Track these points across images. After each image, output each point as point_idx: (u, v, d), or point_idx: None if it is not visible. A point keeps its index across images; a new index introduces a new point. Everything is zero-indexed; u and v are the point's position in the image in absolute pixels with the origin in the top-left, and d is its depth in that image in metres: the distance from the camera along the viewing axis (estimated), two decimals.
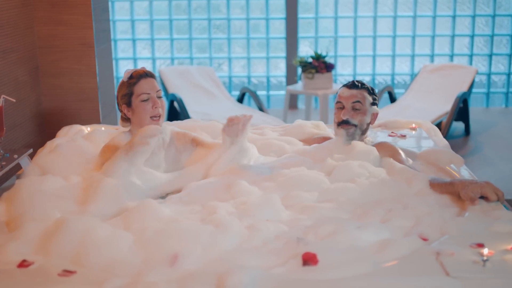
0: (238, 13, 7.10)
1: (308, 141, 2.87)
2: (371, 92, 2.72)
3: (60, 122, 3.89)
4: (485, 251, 1.74)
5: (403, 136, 3.02)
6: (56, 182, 2.22)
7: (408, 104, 5.78)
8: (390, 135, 3.04)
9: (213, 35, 7.13)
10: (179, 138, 2.63)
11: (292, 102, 7.12)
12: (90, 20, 3.87)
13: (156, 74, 7.07)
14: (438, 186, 2.27)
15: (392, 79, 7.11)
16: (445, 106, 5.51)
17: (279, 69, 7.22)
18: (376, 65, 7.09)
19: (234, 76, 7.22)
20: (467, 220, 1.99)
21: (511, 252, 1.74)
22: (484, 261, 1.69)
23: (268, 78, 7.20)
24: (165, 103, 2.56)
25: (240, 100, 6.31)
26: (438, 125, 5.20)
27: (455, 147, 5.65)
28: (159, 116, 2.51)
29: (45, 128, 3.95)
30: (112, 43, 7.12)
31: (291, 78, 6.94)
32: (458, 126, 6.13)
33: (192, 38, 7.13)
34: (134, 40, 7.13)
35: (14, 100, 2.60)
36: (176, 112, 5.58)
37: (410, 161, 2.60)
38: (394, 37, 6.99)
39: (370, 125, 2.73)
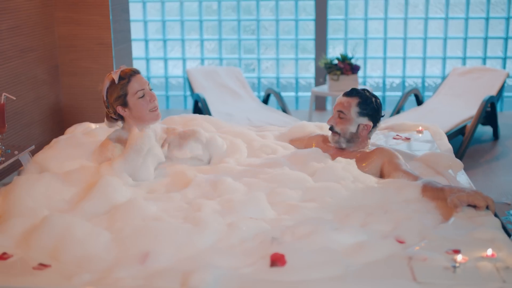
0: (268, 14, 7.11)
1: (302, 140, 2.89)
2: (364, 102, 2.68)
3: (77, 120, 3.97)
4: (459, 257, 1.71)
5: (408, 139, 2.98)
6: (51, 180, 2.28)
7: (434, 107, 5.69)
8: (394, 138, 3.01)
9: (242, 36, 7.16)
10: (169, 133, 2.75)
11: (321, 103, 7.09)
12: (108, 20, 3.95)
13: (184, 75, 7.16)
14: (430, 190, 2.24)
15: (423, 82, 7.00)
16: (472, 110, 5.40)
17: (310, 71, 7.20)
18: (406, 67, 7.00)
19: (263, 77, 7.23)
20: (450, 226, 1.96)
21: (485, 259, 1.71)
22: (455, 267, 1.66)
23: (296, 79, 7.19)
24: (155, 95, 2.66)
25: (265, 101, 6.32)
26: (463, 129, 5.10)
27: (481, 152, 5.56)
28: (156, 108, 2.63)
29: (63, 126, 4.04)
30: (144, 43, 7.24)
31: (319, 80, 6.92)
32: (487, 130, 6.00)
33: (222, 39, 7.17)
34: (165, 41, 7.22)
35: (14, 98, 2.67)
36: (200, 112, 5.63)
37: (408, 166, 2.57)
38: (425, 39, 6.88)
39: (366, 136, 2.70)
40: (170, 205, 2.16)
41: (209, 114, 5.44)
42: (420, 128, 3.10)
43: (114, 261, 1.76)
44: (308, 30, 7.09)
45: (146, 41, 7.25)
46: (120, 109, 2.60)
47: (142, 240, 1.83)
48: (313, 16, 6.99)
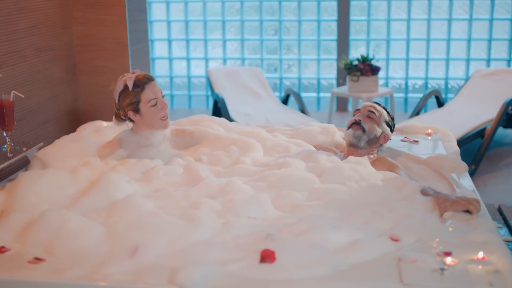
0: (289, 14, 7.12)
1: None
2: (389, 114, 2.84)
3: (94, 118, 4.04)
4: (449, 260, 1.70)
5: (416, 142, 2.96)
6: (55, 175, 2.31)
7: (455, 110, 5.62)
8: (403, 140, 2.99)
9: (264, 36, 7.18)
10: (178, 134, 2.77)
11: (342, 104, 7.07)
12: (124, 20, 4.00)
13: (206, 75, 7.21)
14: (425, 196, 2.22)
15: (446, 84, 6.92)
16: (493, 112, 5.32)
17: (332, 72, 7.18)
18: (429, 69, 6.93)
19: (285, 78, 7.23)
20: (446, 227, 1.94)
21: (475, 262, 1.70)
22: (443, 269, 1.65)
23: (318, 80, 7.17)
24: (167, 102, 2.68)
25: (285, 101, 6.33)
26: (482, 132, 5.03)
27: (502, 155, 5.48)
28: (166, 116, 2.66)
29: (80, 124, 4.10)
30: (167, 43, 7.31)
31: (340, 81, 6.89)
32: (509, 133, 5.91)
33: (244, 39, 7.20)
34: (188, 41, 7.28)
35: (22, 96, 2.73)
36: (219, 111, 5.66)
37: (407, 176, 2.56)
38: (448, 40, 6.81)
39: (379, 144, 2.74)
40: (169, 203, 2.18)
41: (227, 113, 5.47)
42: (430, 130, 3.07)
43: (105, 255, 1.79)
44: (330, 31, 7.08)
45: (169, 41, 7.31)
46: (131, 114, 2.62)
47: (134, 235, 1.85)
48: (335, 17, 6.97)
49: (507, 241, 2.86)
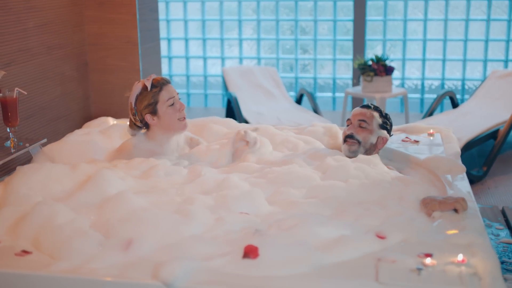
0: (305, 14, 7.12)
1: None
2: (382, 115, 2.78)
3: (106, 116, 4.10)
4: (428, 260, 1.71)
5: (417, 142, 2.96)
6: (52, 170, 2.36)
7: (469, 111, 5.58)
8: (403, 140, 2.99)
9: (280, 36, 7.19)
10: (192, 144, 2.82)
11: (358, 104, 7.05)
12: (134, 19, 4.06)
13: (221, 73, 7.25)
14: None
15: (463, 84, 6.87)
16: (507, 113, 5.26)
17: (349, 72, 7.16)
18: (445, 69, 6.88)
19: (301, 78, 7.24)
20: (433, 228, 1.95)
21: (454, 264, 1.70)
22: (420, 270, 1.66)
23: (334, 80, 7.17)
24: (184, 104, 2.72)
25: (299, 101, 6.34)
26: (495, 133, 4.99)
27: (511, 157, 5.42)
28: (184, 117, 2.68)
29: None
30: (184, 42, 7.37)
31: (355, 81, 6.88)
32: None
33: (260, 39, 7.23)
34: (204, 40, 7.33)
35: (25, 93, 2.79)
36: (232, 110, 5.70)
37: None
38: (465, 41, 6.75)
39: (378, 149, 2.73)
40: (163, 199, 2.21)
41: (240, 112, 5.51)
42: (431, 131, 3.06)
43: (93, 250, 1.83)
44: (346, 30, 7.07)
45: (186, 40, 7.37)
46: (148, 117, 2.63)
47: (124, 229, 1.89)
48: (351, 17, 6.95)
49: (506, 243, 2.84)
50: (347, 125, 2.77)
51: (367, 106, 2.78)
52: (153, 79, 2.62)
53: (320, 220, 1.96)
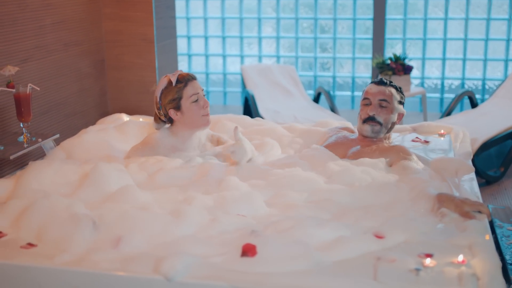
0: (325, 13, 7.11)
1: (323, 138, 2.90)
2: (398, 90, 2.74)
3: (122, 112, 4.14)
4: (427, 261, 1.71)
5: (427, 142, 2.94)
6: (62, 165, 2.41)
7: (488, 111, 5.52)
8: (414, 140, 2.97)
9: (300, 34, 7.19)
10: (213, 141, 2.84)
11: None
12: (151, 17, 4.09)
13: (239, 71, 7.26)
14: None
15: (483, 84, 6.79)
16: None
17: (368, 70, 7.13)
18: (466, 69, 6.81)
19: (319, 76, 7.23)
20: (436, 228, 1.95)
21: (453, 265, 1.70)
22: (418, 270, 1.66)
23: (353, 78, 7.14)
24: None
25: (316, 99, 6.33)
26: (511, 134, 4.93)
27: None
28: (208, 114, 2.69)
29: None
30: (203, 40, 7.40)
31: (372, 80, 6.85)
32: None
33: (279, 37, 7.23)
34: (224, 38, 7.35)
35: (38, 89, 2.84)
36: (250, 108, 5.72)
37: (422, 165, 2.55)
38: (486, 40, 6.67)
39: (396, 124, 2.74)
40: (164, 197, 2.23)
41: (257, 110, 5.52)
42: (442, 131, 3.04)
43: (93, 244, 1.86)
44: (365, 29, 7.04)
45: (206, 38, 7.40)
46: (172, 112, 2.66)
47: (120, 226, 1.92)
48: (371, 16, 6.92)
49: None
50: (364, 104, 2.72)
51: (383, 83, 2.72)
52: (178, 75, 2.64)
53: (317, 222, 1.95)
